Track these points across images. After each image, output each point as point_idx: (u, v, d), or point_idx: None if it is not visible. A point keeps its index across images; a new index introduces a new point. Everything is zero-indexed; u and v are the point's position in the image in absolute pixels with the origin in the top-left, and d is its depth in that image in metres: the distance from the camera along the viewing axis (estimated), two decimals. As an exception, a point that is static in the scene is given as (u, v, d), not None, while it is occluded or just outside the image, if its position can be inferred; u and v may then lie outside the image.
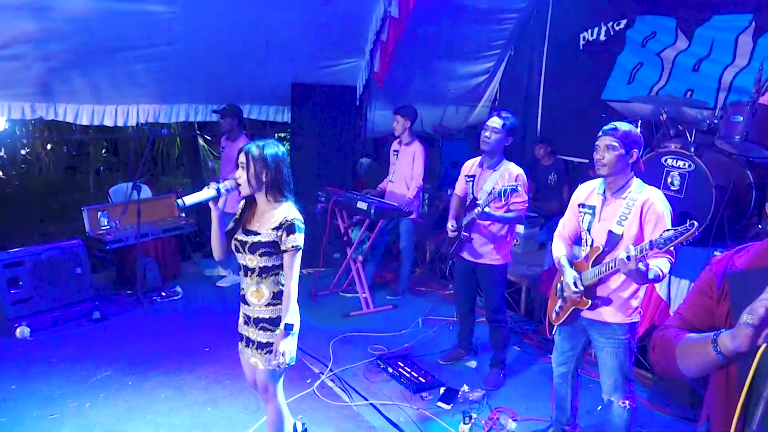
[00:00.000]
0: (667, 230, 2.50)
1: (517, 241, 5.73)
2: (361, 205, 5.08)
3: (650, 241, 2.55)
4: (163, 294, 5.52)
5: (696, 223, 2.40)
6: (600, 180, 3.04)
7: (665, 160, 4.19)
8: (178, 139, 9.02)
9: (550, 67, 7.27)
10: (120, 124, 5.91)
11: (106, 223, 5.59)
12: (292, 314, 2.68)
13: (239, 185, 2.69)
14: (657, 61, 6.07)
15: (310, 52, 6.41)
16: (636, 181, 2.94)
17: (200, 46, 5.68)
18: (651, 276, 2.69)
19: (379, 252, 5.90)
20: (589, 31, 6.75)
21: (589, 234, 3.04)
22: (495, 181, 3.95)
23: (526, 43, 7.55)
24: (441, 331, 5.08)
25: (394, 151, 5.69)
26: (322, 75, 6.67)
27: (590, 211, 3.04)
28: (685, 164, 4.09)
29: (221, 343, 4.56)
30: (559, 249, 3.20)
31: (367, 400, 3.94)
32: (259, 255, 2.68)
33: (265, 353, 2.76)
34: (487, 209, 3.87)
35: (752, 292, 1.38)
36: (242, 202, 2.83)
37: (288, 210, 2.69)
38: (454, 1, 6.56)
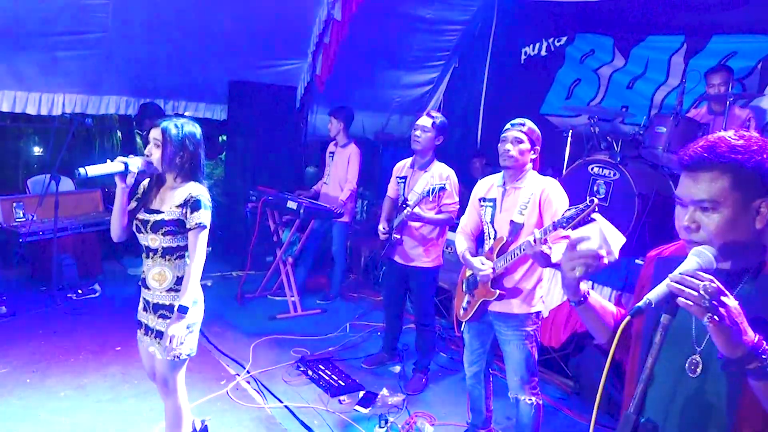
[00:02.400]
0: (568, 209, 2.52)
1: (449, 248, 5.69)
2: (291, 204, 4.96)
3: (553, 222, 2.58)
4: (80, 292, 5.24)
5: (596, 200, 2.42)
6: (498, 175, 3.13)
7: (592, 169, 4.22)
8: (118, 134, 8.69)
9: (492, 79, 7.33)
10: (44, 113, 5.64)
11: (21, 215, 5.29)
12: (189, 297, 2.52)
13: (150, 163, 2.54)
14: (594, 77, 6.20)
15: (250, 50, 6.28)
16: (533, 173, 3.05)
17: (133, 37, 5.49)
18: (556, 258, 2.71)
19: (311, 256, 5.76)
20: (531, 46, 6.84)
21: (492, 226, 3.08)
22: (426, 182, 3.90)
23: (470, 56, 7.61)
24: (368, 337, 4.97)
25: (330, 152, 5.60)
26: (263, 74, 6.55)
27: (491, 204, 3.11)
28: (610, 173, 4.13)
29: (135, 342, 4.30)
30: (462, 244, 3.23)
31: (282, 402, 3.79)
32: (162, 234, 2.54)
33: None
34: (417, 210, 3.82)
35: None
36: (146, 181, 2.68)
37: (194, 187, 2.56)
38: (399, 9, 6.55)
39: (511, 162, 2.97)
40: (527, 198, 2.95)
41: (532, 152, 3.01)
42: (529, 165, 3.04)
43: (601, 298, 1.73)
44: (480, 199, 3.18)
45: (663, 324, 1.29)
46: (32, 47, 5.18)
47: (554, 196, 2.93)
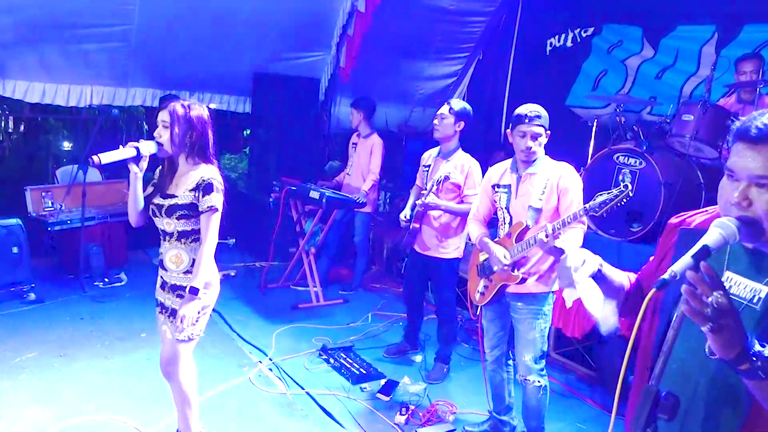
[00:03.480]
0: (600, 194, 2.48)
1: (469, 240, 5.66)
2: (314, 194, 4.98)
3: (584, 208, 2.56)
4: (106, 280, 5.32)
5: (629, 185, 2.41)
6: (509, 160, 3.12)
7: (617, 158, 4.16)
8: (146, 126, 8.80)
9: (517, 71, 7.27)
10: (73, 104, 5.76)
11: (50, 205, 5.39)
12: (201, 279, 2.54)
13: (161, 145, 2.57)
14: (622, 68, 6.10)
15: (274, 42, 6.32)
16: (546, 157, 3.03)
17: (159, 29, 5.55)
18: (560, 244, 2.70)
19: (334, 246, 5.77)
20: (557, 37, 6.76)
21: (508, 212, 3.07)
22: (447, 171, 3.89)
23: (494, 47, 7.54)
24: (390, 327, 4.97)
25: (353, 143, 5.61)
26: (287, 67, 6.58)
27: (506, 190, 3.09)
28: (635, 162, 4.06)
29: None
30: (477, 230, 3.22)
31: (303, 389, 3.81)
32: (176, 218, 2.57)
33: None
34: (432, 197, 3.81)
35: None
36: (160, 167, 2.71)
37: (206, 170, 2.57)
38: (423, 1, 6.53)
39: (531, 157, 2.97)
40: (544, 183, 2.93)
41: (546, 139, 2.99)
42: (542, 150, 3.03)
43: (613, 268, 1.71)
44: (493, 186, 3.16)
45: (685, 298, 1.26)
46: (61, 39, 5.27)
47: (571, 183, 2.93)
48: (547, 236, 2.60)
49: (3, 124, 8.52)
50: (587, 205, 2.55)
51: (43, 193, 5.38)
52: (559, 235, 2.63)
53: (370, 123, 5.49)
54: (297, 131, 6.37)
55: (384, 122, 7.16)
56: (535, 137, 2.92)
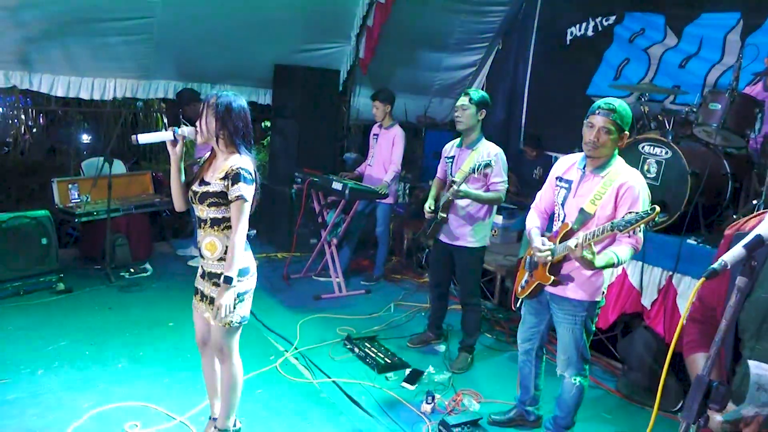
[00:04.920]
0: (629, 212, 2.46)
1: (494, 231, 5.68)
2: (336, 185, 5.01)
3: (608, 224, 2.53)
4: (132, 270, 5.39)
5: (657, 208, 2.38)
6: (580, 154, 2.94)
7: (642, 147, 4.13)
8: (164, 119, 8.87)
9: (537, 61, 7.24)
10: (97, 97, 5.82)
11: (76, 196, 5.47)
12: (234, 268, 2.59)
13: (197, 132, 2.63)
14: (644, 57, 6.05)
15: (295, 33, 6.34)
16: (619, 161, 2.84)
17: (181, 21, 5.59)
18: (600, 264, 2.64)
19: (355, 237, 5.80)
20: (577, 26, 6.72)
21: (563, 209, 2.97)
22: (473, 161, 3.88)
23: (514, 37, 7.51)
24: (412, 317, 5.00)
25: (374, 134, 5.62)
26: (306, 58, 6.60)
27: (566, 186, 2.96)
28: (662, 151, 4.03)
29: (187, 318, 4.34)
30: (532, 220, 3.12)
31: (330, 377, 3.85)
32: (207, 205, 2.62)
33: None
34: (463, 187, 3.80)
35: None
36: (206, 154, 2.77)
37: (238, 160, 2.61)
38: (442, -10, 6.52)
39: (595, 153, 2.76)
40: (605, 189, 2.76)
41: (620, 140, 2.78)
42: (615, 151, 2.83)
43: None
44: (557, 178, 3.03)
45: (739, 287, 1.27)
46: (85, 33, 5.32)
47: (635, 191, 2.72)
48: (575, 246, 2.57)
49: (24, 117, 8.62)
50: (614, 222, 2.51)
51: (70, 185, 5.45)
52: (589, 245, 2.57)
53: (392, 114, 5.50)
54: (317, 123, 6.38)
55: (404, 113, 7.16)
56: (603, 132, 2.71)
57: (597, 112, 2.74)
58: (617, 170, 2.80)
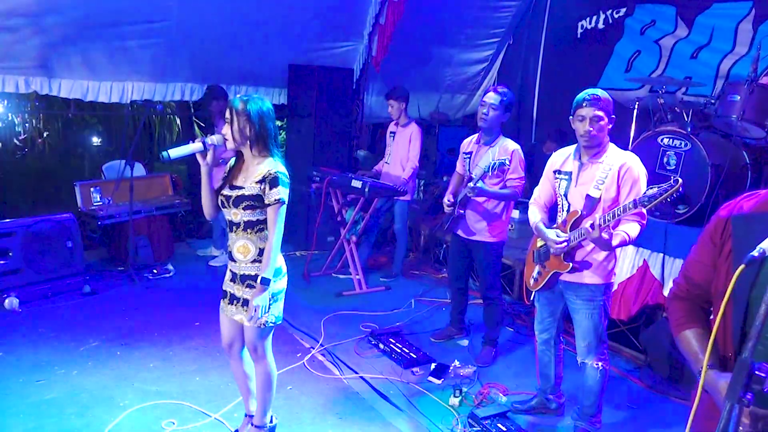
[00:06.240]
0: (651, 187, 2.51)
1: (511, 225, 5.72)
2: (356, 183, 5.06)
3: (634, 200, 2.59)
4: (155, 271, 5.47)
5: (680, 180, 2.43)
6: (573, 146, 3.08)
7: (661, 140, 4.17)
8: (177, 121, 8.93)
9: (548, 55, 7.26)
10: (115, 100, 5.88)
11: (98, 199, 5.55)
12: (270, 269, 2.65)
13: (226, 140, 2.67)
14: (655, 48, 6.06)
15: (308, 33, 6.38)
16: (611, 146, 2.99)
17: (197, 24, 5.65)
18: (616, 242, 2.76)
19: (373, 234, 5.87)
20: (588, 19, 6.73)
21: (566, 199, 3.07)
22: (490, 158, 3.93)
23: (525, 32, 7.53)
24: (433, 312, 5.06)
25: (391, 132, 5.67)
26: (320, 57, 6.65)
27: (566, 177, 3.07)
28: (681, 144, 4.07)
29: (212, 317, 4.42)
30: (535, 215, 3.21)
31: (357, 373, 3.92)
32: (243, 209, 2.67)
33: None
34: (480, 184, 3.85)
35: (753, 236, 1.42)
36: (232, 160, 2.81)
37: (272, 164, 2.66)
38: (453, -13, 6.55)
39: (592, 142, 2.91)
40: (605, 172, 2.89)
41: (610, 125, 2.92)
42: (607, 138, 2.97)
43: None
44: (555, 171, 3.15)
45: None
46: (102, 37, 5.38)
47: (634, 171, 2.87)
48: (592, 227, 2.64)
49: (42, 121, 8.70)
50: (637, 198, 2.58)
51: (92, 189, 5.53)
52: (608, 227, 2.64)
53: (407, 112, 5.55)
54: (331, 122, 6.44)
55: (417, 110, 7.20)
56: (595, 121, 2.85)
57: (584, 104, 2.89)
58: (613, 154, 2.95)
